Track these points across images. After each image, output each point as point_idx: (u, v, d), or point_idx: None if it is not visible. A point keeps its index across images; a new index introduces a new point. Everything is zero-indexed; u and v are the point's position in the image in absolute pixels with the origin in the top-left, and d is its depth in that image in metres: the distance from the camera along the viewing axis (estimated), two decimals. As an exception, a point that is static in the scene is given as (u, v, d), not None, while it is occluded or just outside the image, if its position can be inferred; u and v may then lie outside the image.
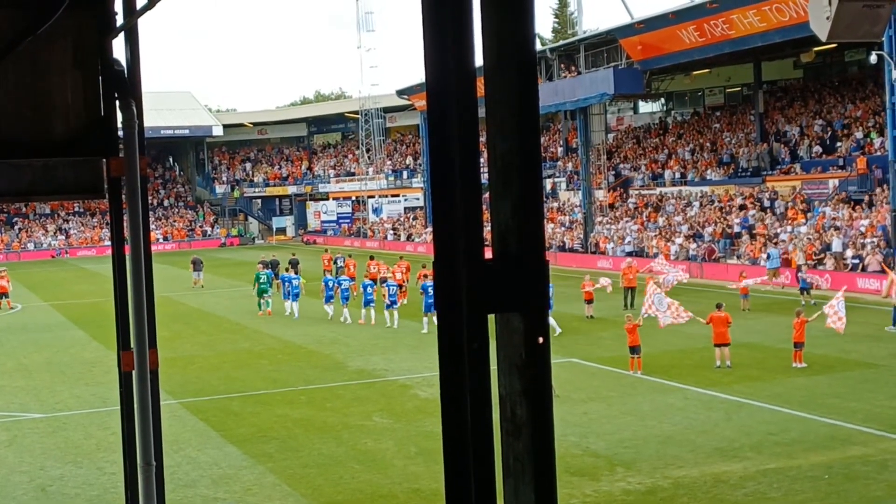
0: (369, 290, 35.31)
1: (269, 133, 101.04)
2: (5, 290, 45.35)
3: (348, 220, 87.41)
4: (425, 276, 36.77)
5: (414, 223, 78.04)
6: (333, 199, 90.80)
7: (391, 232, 78.32)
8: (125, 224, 8.75)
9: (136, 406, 8.29)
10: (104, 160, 8.97)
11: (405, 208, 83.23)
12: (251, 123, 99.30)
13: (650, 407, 21.30)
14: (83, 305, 44.42)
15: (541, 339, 3.13)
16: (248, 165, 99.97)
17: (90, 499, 16.54)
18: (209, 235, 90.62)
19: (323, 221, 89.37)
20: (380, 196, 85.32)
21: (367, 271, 42.75)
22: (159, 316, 9.27)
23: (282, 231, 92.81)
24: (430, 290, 33.38)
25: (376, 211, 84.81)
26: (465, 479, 3.10)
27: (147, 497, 8.23)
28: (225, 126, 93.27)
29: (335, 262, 49.82)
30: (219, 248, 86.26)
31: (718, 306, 25.82)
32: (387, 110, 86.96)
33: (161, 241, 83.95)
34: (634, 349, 24.84)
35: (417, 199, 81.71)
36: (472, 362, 3.08)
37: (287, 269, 43.93)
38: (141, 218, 8.37)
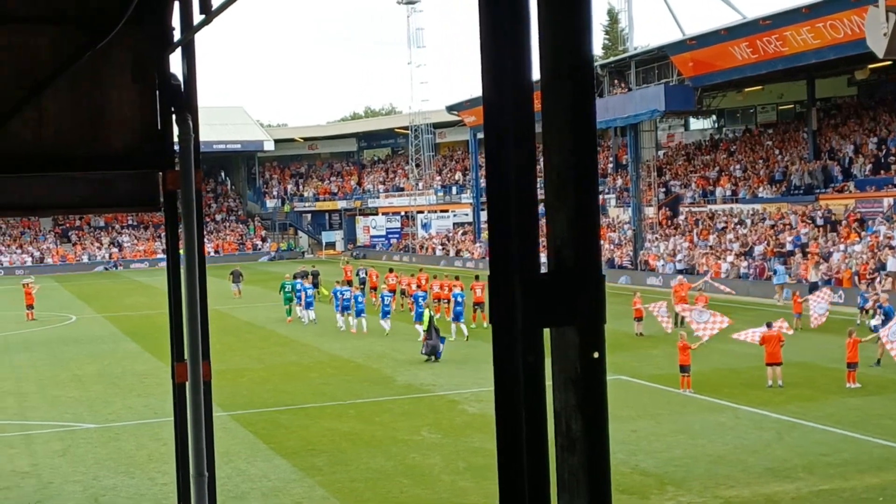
0: (387, 301, 36.43)
1: (320, 148, 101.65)
2: (32, 302, 45.86)
3: (397, 236, 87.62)
4: (454, 285, 37.32)
5: (463, 238, 78.06)
6: (383, 214, 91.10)
7: (440, 247, 78.37)
8: (180, 237, 8.83)
9: (189, 417, 8.36)
10: (160, 173, 9.08)
11: (454, 224, 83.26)
12: (302, 138, 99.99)
13: (700, 425, 21.10)
14: (136, 317, 44.88)
15: (596, 354, 3.12)
16: (299, 180, 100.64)
17: (141, 509, 16.68)
18: (259, 250, 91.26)
19: (372, 236, 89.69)
20: (429, 211, 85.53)
21: (386, 283, 43.35)
22: (210, 328, 9.35)
23: (331, 245, 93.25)
24: (460, 299, 34.77)
25: (425, 226, 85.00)
26: (519, 493, 3.08)
27: (199, 507, 8.29)
28: (276, 141, 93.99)
29: (357, 274, 50.15)
30: (269, 261, 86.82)
31: (769, 325, 25.55)
32: (436, 126, 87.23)
33: (212, 254, 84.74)
34: (685, 367, 24.63)
35: (466, 214, 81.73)
36: (528, 376, 3.07)
37: (305, 279, 44.32)
38: (196, 230, 8.46)
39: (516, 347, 3.06)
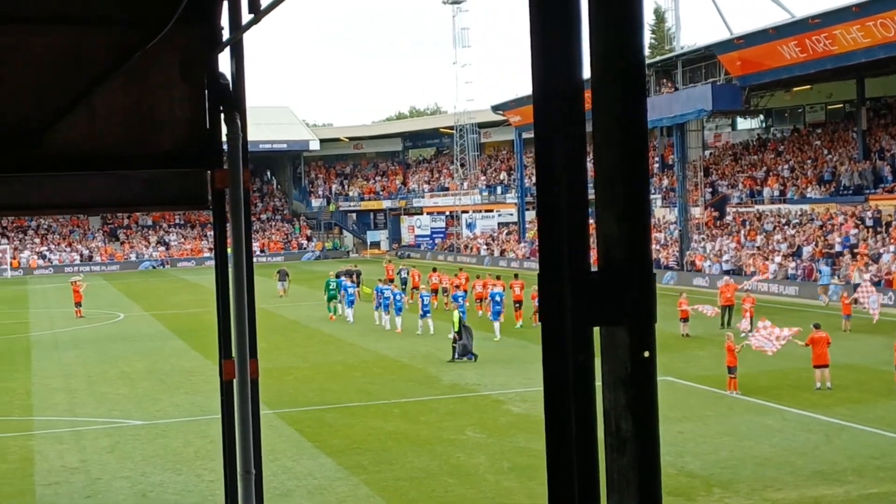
0: (426, 300, 36.95)
1: (365, 147, 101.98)
2: (80, 300, 46.38)
3: (442, 235, 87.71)
4: (493, 284, 37.78)
5: (507, 238, 78.01)
6: (427, 213, 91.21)
7: (484, 247, 78.39)
8: (228, 235, 8.89)
9: (236, 414, 8.41)
10: (208, 172, 9.14)
11: (498, 223, 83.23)
12: (347, 138, 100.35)
13: (748, 427, 20.93)
14: (183, 316, 45.28)
15: (646, 353, 3.09)
16: (344, 179, 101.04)
17: (188, 505, 16.82)
18: (304, 249, 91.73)
19: (417, 236, 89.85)
20: (473, 211, 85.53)
21: (428, 282, 44.35)
22: (257, 327, 9.40)
23: (376, 245, 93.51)
24: (499, 298, 35.23)
25: (470, 226, 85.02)
26: (568, 493, 3.07)
27: (246, 504, 8.34)
28: (322, 140, 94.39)
29: (399, 274, 50.41)
30: (314, 260, 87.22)
31: (817, 326, 25.28)
32: (481, 126, 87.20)
33: (258, 253, 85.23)
34: (732, 369, 24.44)
35: (511, 214, 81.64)
36: (577, 375, 3.06)
37: (348, 278, 44.76)
38: (244, 229, 8.51)
39: (566, 346, 3.05)
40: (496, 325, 35.02)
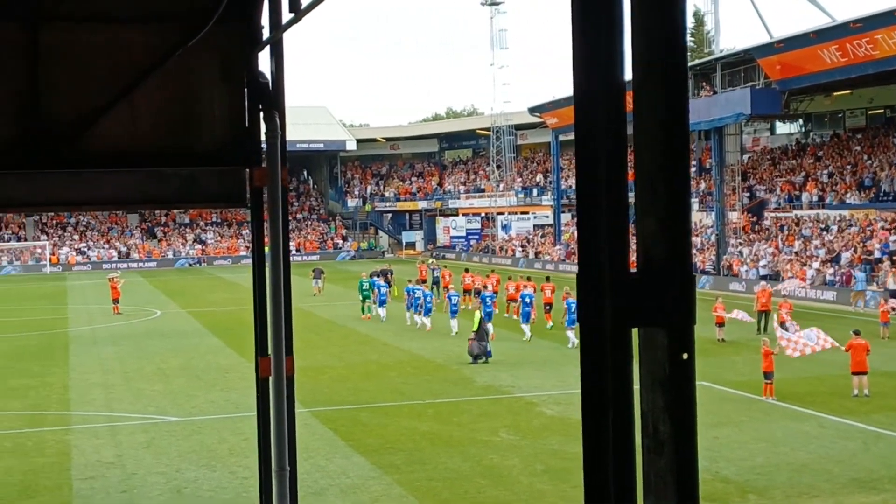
0: (454, 300, 37.21)
1: (401, 148, 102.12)
2: (118, 296, 46.76)
3: (477, 237, 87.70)
4: (524, 286, 38.42)
5: (542, 241, 77.87)
6: (463, 214, 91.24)
7: (519, 249, 78.32)
8: (265, 233, 8.94)
9: (272, 411, 8.46)
10: (247, 170, 9.20)
11: (534, 225, 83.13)
12: (384, 138, 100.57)
13: (783, 434, 20.78)
14: (219, 313, 45.54)
15: (685, 355, 3.08)
16: (380, 180, 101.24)
17: (224, 502, 16.92)
18: (340, 248, 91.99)
19: (452, 237, 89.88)
20: (509, 213, 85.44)
21: (462, 282, 44.91)
22: (292, 325, 9.44)
23: (411, 245, 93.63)
24: (528, 300, 35.64)
25: (505, 228, 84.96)
26: (605, 494, 3.07)
27: (281, 501, 8.38)
28: (358, 141, 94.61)
29: (432, 273, 50.53)
30: (349, 260, 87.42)
31: (856, 333, 25.05)
32: (518, 127, 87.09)
33: (294, 252, 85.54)
34: (768, 374, 24.27)
35: (546, 216, 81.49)
36: (615, 376, 3.06)
37: (381, 278, 45.22)
38: (281, 227, 8.56)
39: (604, 347, 3.05)
40: (525, 326, 35.19)
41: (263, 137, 8.99)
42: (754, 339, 31.87)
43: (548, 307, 38.14)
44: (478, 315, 31.14)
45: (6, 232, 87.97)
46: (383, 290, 42.03)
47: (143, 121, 8.96)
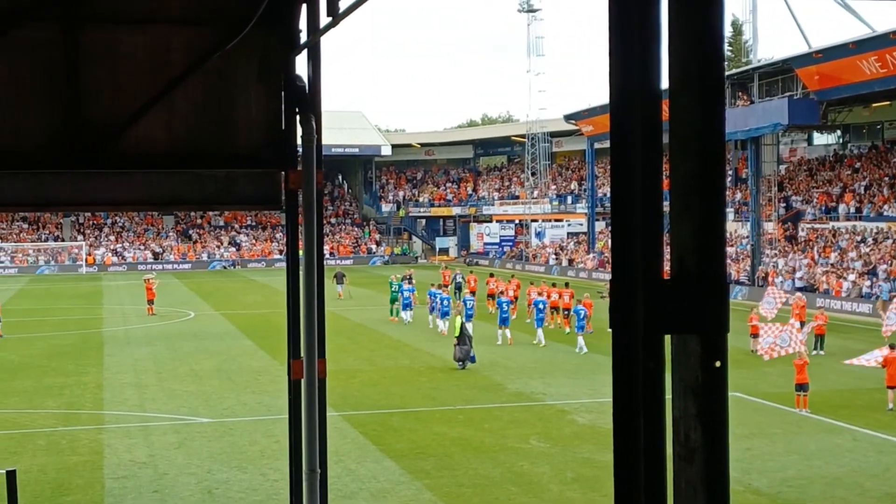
0: (469, 304, 37.84)
1: (436, 154, 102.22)
2: (153, 297, 47.06)
3: (510, 243, 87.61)
4: (539, 293, 39.22)
5: (576, 249, 77.69)
6: (497, 221, 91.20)
7: (553, 257, 78.18)
8: (300, 236, 8.99)
9: (303, 413, 8.50)
10: (283, 173, 9.25)
11: (568, 233, 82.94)
12: (419, 144, 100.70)
13: (817, 447, 20.61)
14: (252, 316, 45.75)
15: (718, 363, 3.08)
16: (415, 185, 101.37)
17: (254, 503, 16.99)
18: (374, 253, 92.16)
19: (485, 243, 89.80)
20: (543, 220, 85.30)
21: (486, 286, 46.08)
22: (326, 327, 9.48)
23: (444, 251, 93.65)
24: (542, 306, 36.54)
25: (539, 235, 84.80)
26: (635, 502, 3.07)
27: (311, 503, 8.42)
28: (393, 146, 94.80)
29: (454, 279, 50.78)
30: (383, 264, 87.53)
31: (892, 346, 24.81)
32: (553, 135, 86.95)
33: (327, 256, 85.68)
34: (802, 386, 24.08)
35: (581, 224, 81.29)
36: (647, 383, 3.06)
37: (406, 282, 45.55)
38: (316, 230, 8.60)
39: (636, 353, 3.06)
40: (540, 332, 35.67)
41: (299, 141, 9.03)
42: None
43: (566, 313, 38.72)
44: (458, 320, 31.33)
45: (44, 232, 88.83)
46: (407, 293, 42.66)
47: (180, 122, 9.04)
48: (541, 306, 36.45)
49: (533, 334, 35.94)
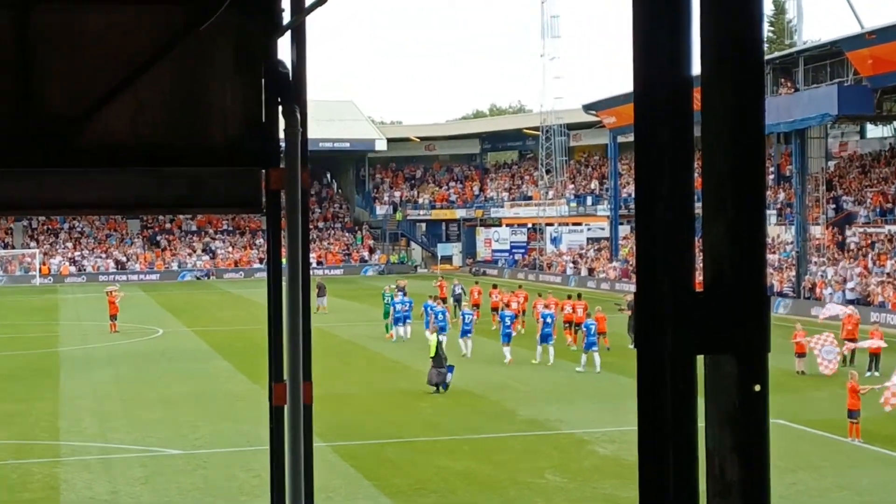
0: (467, 318, 38.51)
1: (438, 149, 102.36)
2: (116, 312, 46.99)
3: (522, 251, 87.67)
4: (546, 305, 39.40)
5: (597, 256, 77.67)
6: (507, 225, 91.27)
7: (570, 265, 78.18)
8: (283, 241, 8.99)
9: (286, 444, 8.49)
10: (263, 171, 9.25)
11: (587, 239, 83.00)
12: (418, 138, 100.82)
13: (870, 481, 20.60)
14: (229, 333, 45.80)
15: (757, 387, 3.08)
16: (413, 185, 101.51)
17: (229, 546, 17.00)
18: (367, 262, 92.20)
19: (494, 251, 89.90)
20: (559, 224, 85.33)
21: (490, 300, 46.73)
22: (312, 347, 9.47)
23: (447, 259, 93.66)
24: (549, 320, 36.67)
25: (555, 241, 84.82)
26: (663, 542, 3.07)
27: (295, 547, 8.40)
28: (389, 140, 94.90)
29: (453, 291, 50.98)
30: (378, 274, 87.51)
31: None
32: (571, 127, 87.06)
33: (314, 265, 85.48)
34: (854, 413, 24.07)
35: (602, 228, 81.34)
36: (677, 409, 3.06)
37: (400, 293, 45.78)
38: (301, 236, 8.60)
39: (664, 376, 3.05)
40: (550, 348, 36.07)
41: (282, 135, 9.03)
42: (839, 373, 31.61)
43: (576, 327, 39.22)
44: (433, 339, 31.37)
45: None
46: (399, 306, 42.98)
47: (147, 114, 9.04)
48: (548, 320, 36.67)
49: (559, 354, 36.08)
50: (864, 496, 19.59)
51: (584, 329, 35.25)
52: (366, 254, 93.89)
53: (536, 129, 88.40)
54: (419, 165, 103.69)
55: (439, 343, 31.34)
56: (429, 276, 78.71)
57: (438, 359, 30.68)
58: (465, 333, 37.86)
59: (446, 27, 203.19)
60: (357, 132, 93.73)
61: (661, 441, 3.06)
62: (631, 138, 58.90)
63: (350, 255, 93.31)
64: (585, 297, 44.18)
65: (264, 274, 9.55)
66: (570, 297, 42.29)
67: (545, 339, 36.27)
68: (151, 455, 23.33)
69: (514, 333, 37.86)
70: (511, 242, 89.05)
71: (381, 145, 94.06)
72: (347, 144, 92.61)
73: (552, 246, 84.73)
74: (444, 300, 46.58)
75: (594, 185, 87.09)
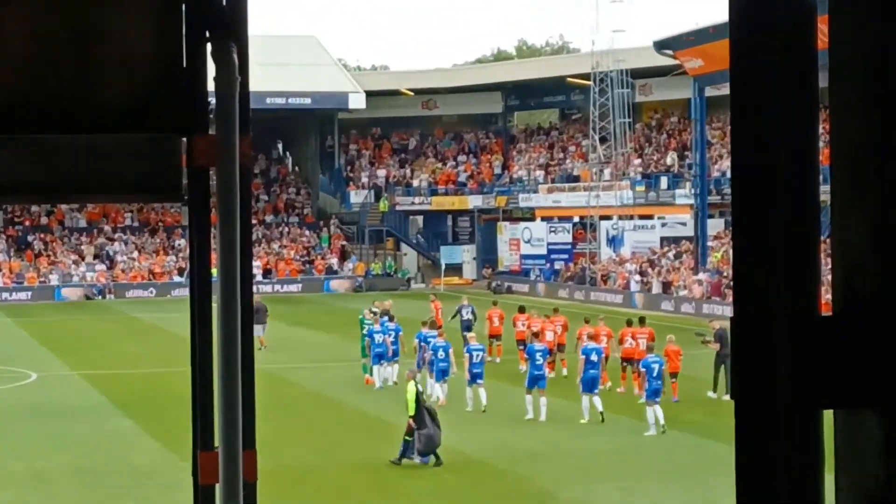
0: (476, 356, 38.20)
1: (441, 107, 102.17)
2: None
3: (566, 256, 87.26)
4: (589, 335, 39.06)
5: (676, 264, 77.38)
6: (542, 219, 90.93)
7: (636, 277, 77.74)
8: (213, 243, 8.99)
9: (219, 543, 8.50)
10: (183, 140, 9.27)
11: (662, 239, 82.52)
12: (411, 91, 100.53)
13: None
14: (133, 378, 45.77)
15: (913, 455, 3.09)
16: (405, 159, 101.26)
17: None
18: (335, 272, 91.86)
19: (523, 256, 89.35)
20: (620, 217, 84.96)
21: (525, 328, 45.90)
22: (256, 397, 9.47)
23: (456, 269, 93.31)
24: (595, 357, 36.36)
25: (613, 241, 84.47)
26: None
27: None
28: (369, 94, 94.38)
29: (459, 313, 50.79)
30: (353, 293, 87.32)
31: None
32: (636, 74, 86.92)
33: (259, 278, 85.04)
34: None
35: (683, 223, 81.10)
36: (793, 489, 3.07)
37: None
38: (240, 234, 8.60)
39: (776, 440, 3.06)
40: (587, 399, 35.81)
41: (212, 87, 9.06)
42: None
43: (634, 366, 39.06)
44: (411, 389, 31.04)
45: None
46: (379, 337, 42.62)
47: (13, 61, 9.05)
48: (593, 357, 36.47)
49: (613, 407, 36.04)
50: None
51: (644, 368, 35.11)
52: (334, 261, 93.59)
53: (586, 77, 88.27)
54: (413, 131, 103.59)
55: (418, 394, 31.06)
56: (427, 295, 78.76)
57: (421, 416, 30.38)
58: (474, 379, 37.69)
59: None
60: (322, 82, 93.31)
61: (770, 533, 3.07)
62: (725, 91, 58.57)
63: (312, 262, 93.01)
64: (654, 324, 44.16)
65: (185, 291, 9.50)
66: (629, 324, 41.76)
67: (589, 385, 35.96)
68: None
69: (547, 376, 37.67)
70: (549, 244, 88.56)
71: (357, 101, 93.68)
72: (308, 101, 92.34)
73: (609, 249, 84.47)
74: (440, 327, 46.18)
75: (671, 159, 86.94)
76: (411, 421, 30.55)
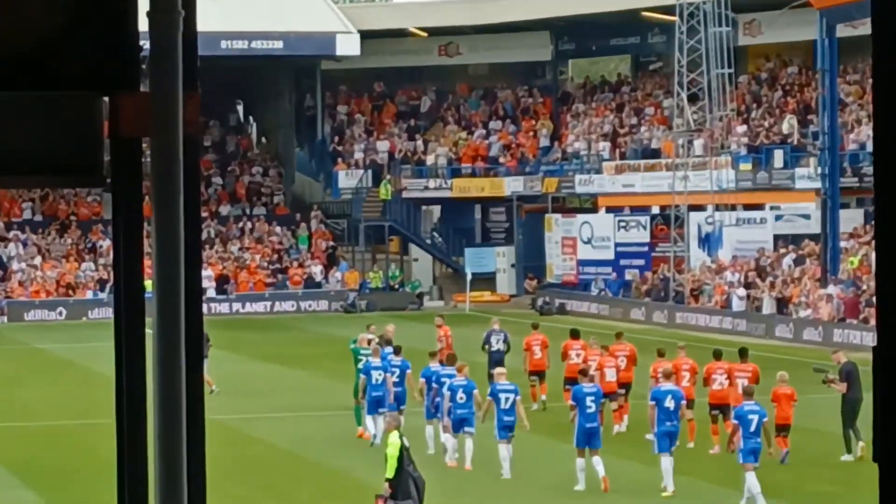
0: (503, 400, 37.59)
1: (464, 54, 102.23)
2: None
3: (643, 262, 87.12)
4: (666, 373, 38.78)
5: (795, 271, 77.22)
6: (608, 210, 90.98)
7: (739, 291, 77.57)
8: (147, 245, 9.03)
9: None
10: (104, 99, 9.30)
11: (776, 237, 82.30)
12: (421, 30, 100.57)
13: None
14: (35, 433, 45.94)
15: None
16: (414, 125, 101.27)
17: None
18: (319, 284, 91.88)
19: (581, 262, 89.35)
20: (717, 208, 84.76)
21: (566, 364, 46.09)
22: (208, 463, 9.50)
23: (487, 280, 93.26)
24: (668, 402, 35.95)
25: (708, 241, 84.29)
26: None
27: None
28: (364, 35, 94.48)
29: (488, 342, 51.04)
30: (345, 312, 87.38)
31: None
32: (739, 7, 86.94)
33: (212, 295, 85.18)
34: None
35: (806, 216, 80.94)
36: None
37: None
38: (184, 228, 8.63)
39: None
40: (664, 460, 35.33)
41: (144, 27, 9.10)
42: None
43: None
44: (393, 442, 30.99)
45: None
46: (377, 374, 42.18)
47: None
48: (668, 403, 36.08)
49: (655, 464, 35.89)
50: None
51: (737, 420, 34.70)
52: (317, 269, 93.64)
53: (670, 10, 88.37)
54: (427, 87, 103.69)
55: (402, 450, 30.92)
56: (448, 315, 78.88)
57: (404, 482, 30.31)
58: (503, 433, 37.58)
59: None
60: (300, 19, 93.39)
61: None
62: (865, 30, 58.67)
63: (285, 271, 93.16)
64: (759, 357, 43.98)
65: (108, 311, 9.48)
66: (718, 356, 41.65)
67: (665, 441, 35.50)
68: None
69: (600, 428, 37.28)
70: (617, 246, 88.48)
71: (346, 47, 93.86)
72: (279, 44, 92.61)
73: (702, 252, 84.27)
74: (452, 357, 45.37)
75: (788, 126, 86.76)
76: (388, 486, 30.58)
